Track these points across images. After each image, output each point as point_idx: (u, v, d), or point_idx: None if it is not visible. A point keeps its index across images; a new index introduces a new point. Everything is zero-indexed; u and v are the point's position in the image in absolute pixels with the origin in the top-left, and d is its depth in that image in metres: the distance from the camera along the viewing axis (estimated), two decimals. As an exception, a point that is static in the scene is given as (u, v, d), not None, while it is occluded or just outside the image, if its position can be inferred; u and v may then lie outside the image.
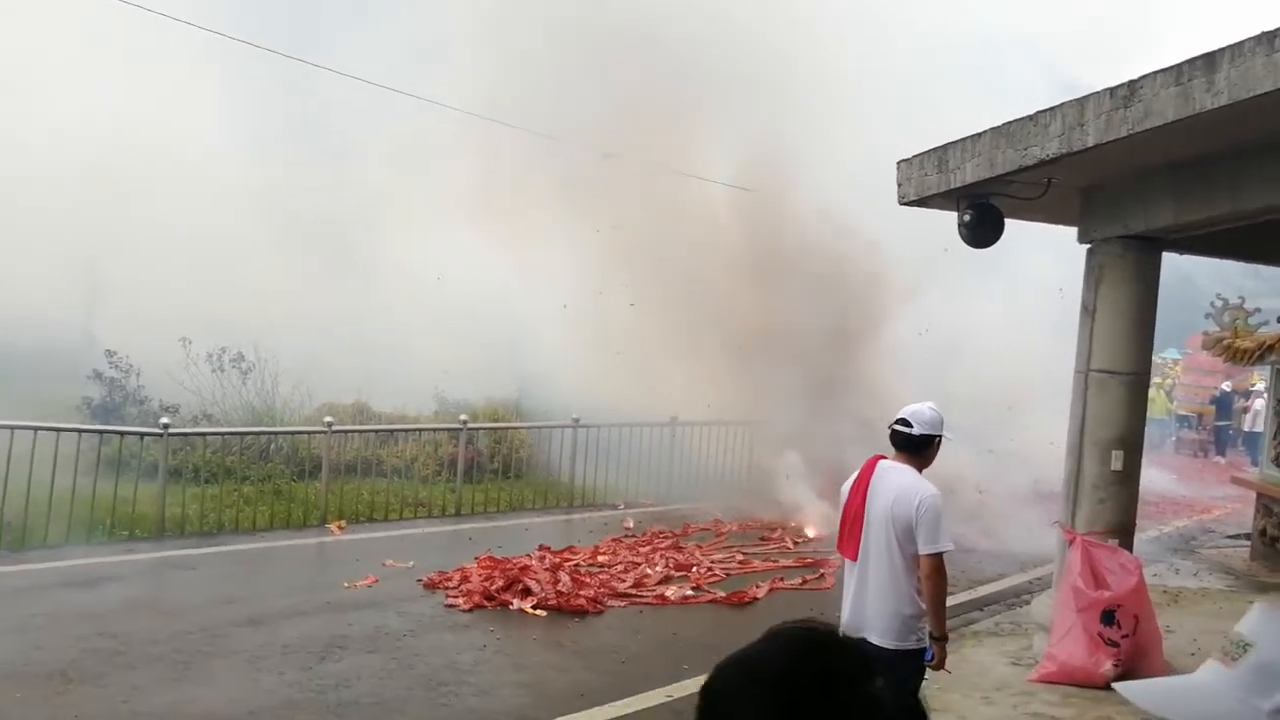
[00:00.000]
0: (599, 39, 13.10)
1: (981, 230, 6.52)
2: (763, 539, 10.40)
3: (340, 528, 10.05)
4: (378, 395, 14.33)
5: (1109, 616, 6.04)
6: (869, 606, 4.17)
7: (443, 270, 14.94)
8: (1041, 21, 27.63)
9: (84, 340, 16.46)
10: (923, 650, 4.15)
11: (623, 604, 7.88)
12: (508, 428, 13.21)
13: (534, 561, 8.56)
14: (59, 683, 5.63)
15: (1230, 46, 4.28)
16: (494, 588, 7.79)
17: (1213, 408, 22.73)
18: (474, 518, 11.10)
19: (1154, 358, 9.67)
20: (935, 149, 6.55)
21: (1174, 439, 23.28)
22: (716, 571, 8.96)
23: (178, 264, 16.34)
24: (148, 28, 13.43)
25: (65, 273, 17.93)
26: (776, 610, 7.90)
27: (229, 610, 7.09)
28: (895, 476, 4.20)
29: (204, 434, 11.42)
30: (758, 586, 8.46)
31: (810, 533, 10.54)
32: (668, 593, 8.20)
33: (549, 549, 9.06)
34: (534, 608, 7.53)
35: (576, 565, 8.73)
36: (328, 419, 10.90)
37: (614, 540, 9.91)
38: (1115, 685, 1.91)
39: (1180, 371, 25.10)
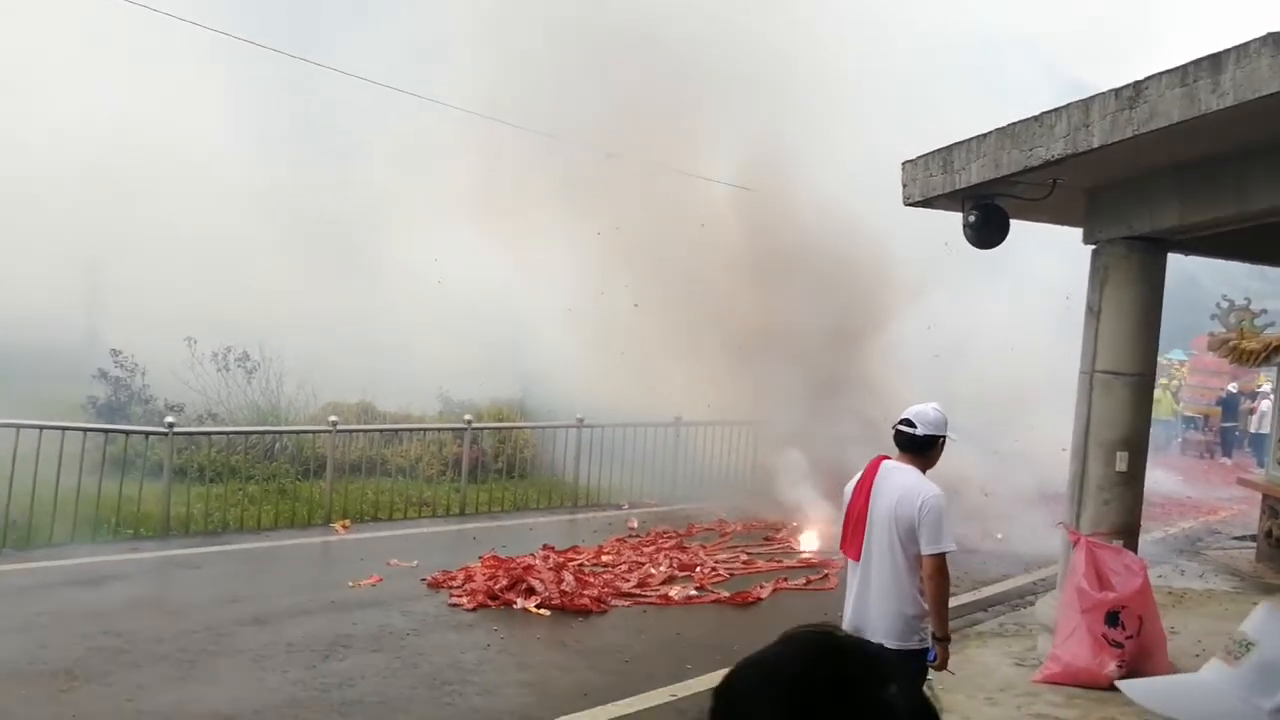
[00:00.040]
0: (599, 39, 13.10)
1: (987, 231, 6.51)
2: (767, 539, 10.41)
3: (345, 527, 10.06)
4: (382, 395, 14.33)
5: (1113, 618, 6.03)
6: (871, 606, 4.18)
7: (445, 269, 14.93)
8: (1042, 21, 27.58)
9: (89, 339, 16.50)
10: (925, 650, 4.15)
11: (627, 604, 7.88)
12: (512, 428, 13.21)
13: (538, 561, 8.57)
14: (64, 681, 5.64)
15: (1236, 47, 4.26)
16: (498, 587, 7.80)
17: (1218, 409, 22.71)
18: (478, 517, 11.10)
19: (1159, 359, 9.66)
20: (940, 150, 6.54)
21: (1180, 440, 23.24)
22: (720, 571, 8.96)
23: (182, 263, 16.41)
24: (151, 27, 13.48)
25: (70, 272, 18.03)
26: (780, 610, 7.91)
27: (233, 609, 7.10)
28: (899, 477, 4.21)
29: (209, 433, 11.44)
30: (762, 587, 8.46)
31: (814, 544, 10.09)
32: (672, 593, 8.20)
33: (553, 549, 9.07)
34: (538, 607, 7.54)
35: (580, 565, 8.73)
36: (332, 418, 10.91)
37: (618, 540, 9.91)
38: (1118, 683, 1.91)
39: (1186, 373, 25.07)
